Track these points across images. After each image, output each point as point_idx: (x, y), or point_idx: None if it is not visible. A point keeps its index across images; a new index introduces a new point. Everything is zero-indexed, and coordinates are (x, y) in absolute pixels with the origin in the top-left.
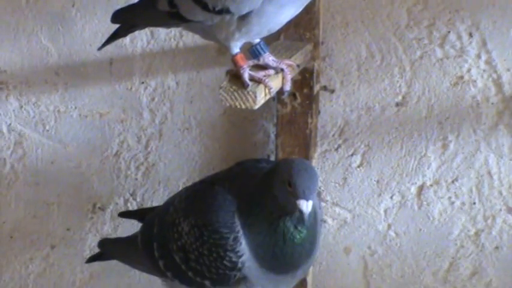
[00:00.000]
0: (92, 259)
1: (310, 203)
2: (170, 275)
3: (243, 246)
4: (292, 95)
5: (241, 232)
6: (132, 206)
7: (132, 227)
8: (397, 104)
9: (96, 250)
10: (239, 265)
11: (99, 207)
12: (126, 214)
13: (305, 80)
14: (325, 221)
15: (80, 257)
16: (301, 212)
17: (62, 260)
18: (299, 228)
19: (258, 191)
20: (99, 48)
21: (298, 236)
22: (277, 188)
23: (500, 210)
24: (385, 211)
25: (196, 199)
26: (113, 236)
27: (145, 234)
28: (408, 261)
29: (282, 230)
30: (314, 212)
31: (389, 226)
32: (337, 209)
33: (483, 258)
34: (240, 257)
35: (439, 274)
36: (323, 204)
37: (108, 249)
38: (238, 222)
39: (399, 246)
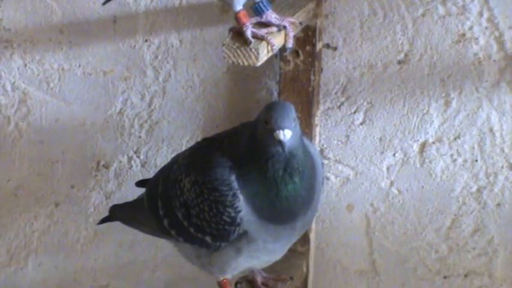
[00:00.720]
0: (103, 221)
1: (287, 132)
2: (174, 233)
3: (242, 202)
4: (295, 52)
5: (237, 187)
6: (136, 163)
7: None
8: (399, 62)
9: (100, 207)
10: (238, 220)
11: (103, 165)
12: (143, 183)
13: (308, 37)
14: (328, 179)
15: (84, 215)
16: (279, 142)
17: (66, 218)
18: (288, 170)
19: (247, 142)
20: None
21: (289, 179)
22: (260, 132)
23: (502, 167)
24: (388, 168)
25: (197, 156)
26: (117, 193)
27: (150, 194)
28: (410, 218)
29: (272, 174)
30: (310, 162)
31: (391, 183)
32: (339, 167)
33: (485, 215)
34: (239, 212)
35: (441, 231)
36: (325, 161)
37: (118, 215)
38: (234, 177)
39: (402, 203)
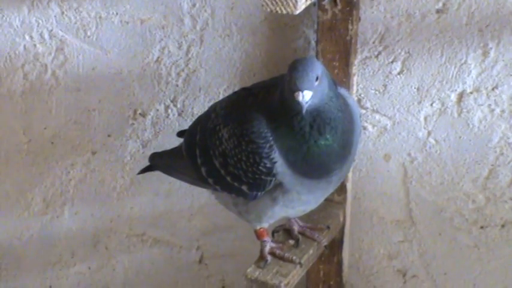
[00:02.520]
0: (143, 171)
1: (307, 93)
2: (212, 182)
3: (277, 154)
4: (333, 1)
5: (272, 139)
6: (173, 112)
7: (172, 134)
8: (437, 11)
9: (137, 156)
10: (274, 171)
11: (140, 114)
12: (183, 133)
13: None
14: (365, 128)
15: (120, 163)
16: (298, 103)
17: (103, 166)
18: (315, 126)
19: (280, 96)
20: None
21: (318, 135)
22: (285, 89)
23: None
24: (425, 118)
25: (234, 108)
26: (153, 142)
27: (189, 142)
28: (448, 168)
29: (298, 130)
30: (348, 117)
31: (429, 133)
32: (377, 116)
33: None
34: (275, 163)
35: (479, 181)
36: (363, 111)
37: (157, 162)
38: (269, 130)
39: (439, 153)
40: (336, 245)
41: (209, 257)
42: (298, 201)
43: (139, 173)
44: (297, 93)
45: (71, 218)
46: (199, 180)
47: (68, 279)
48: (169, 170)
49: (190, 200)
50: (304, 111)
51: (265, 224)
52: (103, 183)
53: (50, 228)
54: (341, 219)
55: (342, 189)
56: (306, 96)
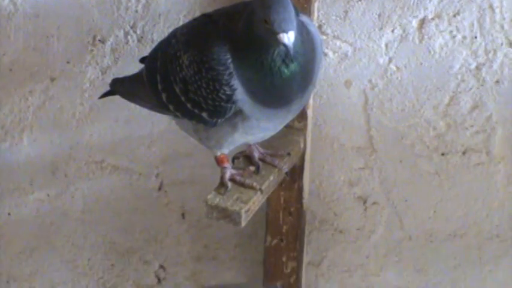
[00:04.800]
0: (104, 95)
1: (291, 33)
2: (172, 108)
3: (237, 82)
4: None
5: (233, 67)
6: (133, 38)
7: (132, 60)
8: None
9: (96, 83)
10: (233, 98)
11: (99, 40)
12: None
13: None
14: (325, 54)
15: (79, 90)
16: (285, 45)
17: (62, 93)
18: (286, 61)
19: (244, 28)
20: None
21: (285, 70)
22: (257, 28)
23: (502, 44)
24: (386, 45)
25: (195, 34)
26: (113, 68)
27: (149, 68)
28: (409, 95)
29: (269, 64)
30: (309, 46)
31: (390, 60)
32: (338, 43)
33: (484, 92)
34: (234, 90)
35: (440, 108)
36: (324, 37)
37: (118, 88)
38: (230, 58)
39: (400, 80)
40: (296, 172)
41: (169, 184)
42: (257, 128)
43: (100, 98)
44: (281, 36)
45: (30, 145)
46: (159, 106)
47: (26, 206)
48: (130, 96)
49: (150, 127)
50: (292, 52)
51: (226, 150)
52: (62, 110)
53: (8, 155)
54: (301, 145)
55: (302, 116)
56: (291, 38)
